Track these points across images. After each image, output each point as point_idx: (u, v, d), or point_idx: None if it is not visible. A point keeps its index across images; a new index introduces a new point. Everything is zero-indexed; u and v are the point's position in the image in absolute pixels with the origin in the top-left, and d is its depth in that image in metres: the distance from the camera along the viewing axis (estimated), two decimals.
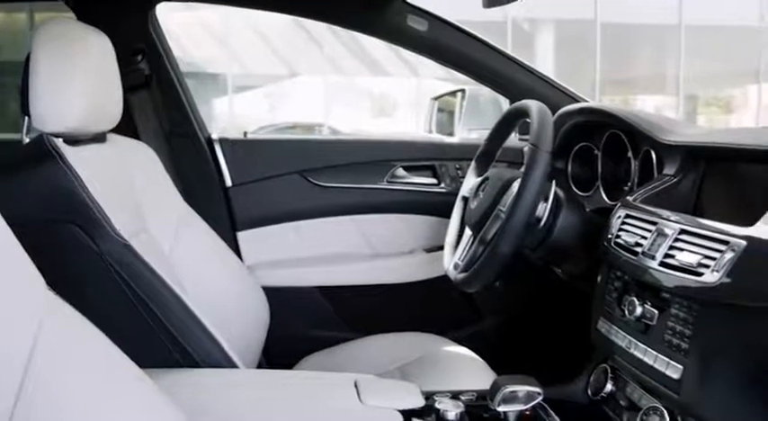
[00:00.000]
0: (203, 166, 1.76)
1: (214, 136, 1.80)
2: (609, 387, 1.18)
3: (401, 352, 1.54)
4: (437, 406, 1.07)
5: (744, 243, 0.90)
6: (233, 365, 1.11)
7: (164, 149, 1.66)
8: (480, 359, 1.49)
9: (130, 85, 1.57)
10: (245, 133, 1.86)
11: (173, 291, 1.10)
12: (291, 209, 1.81)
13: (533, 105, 1.30)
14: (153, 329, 1.08)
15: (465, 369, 1.45)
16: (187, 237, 1.37)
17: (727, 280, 0.90)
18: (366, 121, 11.28)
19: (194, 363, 1.09)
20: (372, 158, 1.83)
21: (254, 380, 1.04)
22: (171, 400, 0.70)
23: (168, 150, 1.70)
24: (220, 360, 1.10)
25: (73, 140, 1.10)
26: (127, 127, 1.63)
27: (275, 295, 1.66)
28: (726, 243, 0.93)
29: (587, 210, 1.41)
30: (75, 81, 1.06)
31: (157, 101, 1.72)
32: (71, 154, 1.06)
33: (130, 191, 1.25)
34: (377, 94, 11.80)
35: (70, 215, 1.05)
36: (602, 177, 1.53)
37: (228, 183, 1.77)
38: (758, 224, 0.92)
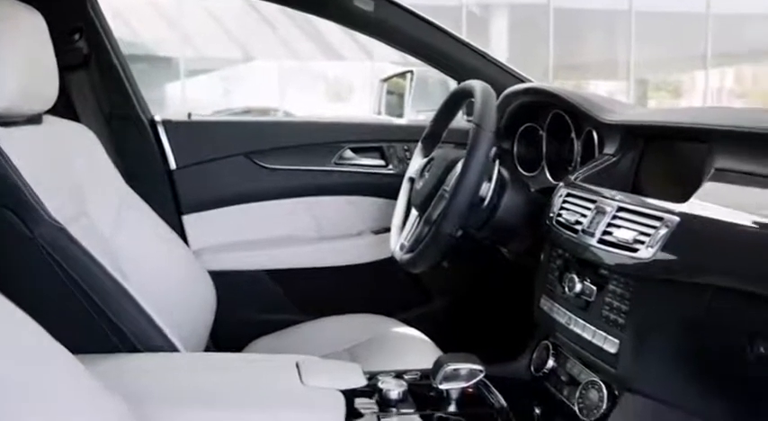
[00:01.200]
0: (146, 149, 1.72)
1: (157, 118, 1.75)
2: (550, 363, 1.20)
3: (350, 334, 1.54)
4: (380, 385, 1.07)
5: (677, 219, 0.92)
6: (174, 349, 1.10)
7: (104, 131, 1.62)
8: (428, 339, 1.50)
9: (67, 65, 1.52)
10: (189, 114, 1.82)
11: (111, 276, 1.08)
12: (238, 191, 1.78)
13: (477, 85, 1.30)
14: (90, 314, 1.06)
15: (413, 349, 1.46)
16: (130, 221, 1.34)
17: (661, 255, 0.92)
18: (322, 105, 11.21)
19: (134, 348, 1.07)
20: (320, 140, 1.81)
21: (193, 364, 1.03)
22: (107, 385, 0.68)
23: (109, 132, 1.65)
24: (161, 344, 1.09)
25: (5, 122, 1.06)
26: (65, 108, 1.59)
27: (222, 279, 1.63)
28: (660, 219, 0.95)
29: (532, 189, 1.43)
30: (5, 60, 1.02)
31: (97, 81, 1.67)
32: (2, 135, 1.02)
33: (68, 174, 1.21)
34: (332, 78, 11.72)
35: (1, 198, 1.01)
36: (546, 157, 1.54)
37: (173, 165, 1.74)
38: (691, 200, 0.94)
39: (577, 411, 1.07)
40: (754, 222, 0.83)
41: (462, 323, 1.83)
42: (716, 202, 0.91)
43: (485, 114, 1.22)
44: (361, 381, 0.99)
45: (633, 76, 11.93)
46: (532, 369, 1.24)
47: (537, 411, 1.14)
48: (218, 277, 1.60)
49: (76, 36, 1.60)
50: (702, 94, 11.93)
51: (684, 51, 11.99)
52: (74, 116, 1.62)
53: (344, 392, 0.96)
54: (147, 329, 1.08)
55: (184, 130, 1.77)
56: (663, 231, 0.93)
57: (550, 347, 1.22)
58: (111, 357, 1.03)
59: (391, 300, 1.81)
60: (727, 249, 0.86)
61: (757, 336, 0.81)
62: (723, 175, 0.95)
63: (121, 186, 1.38)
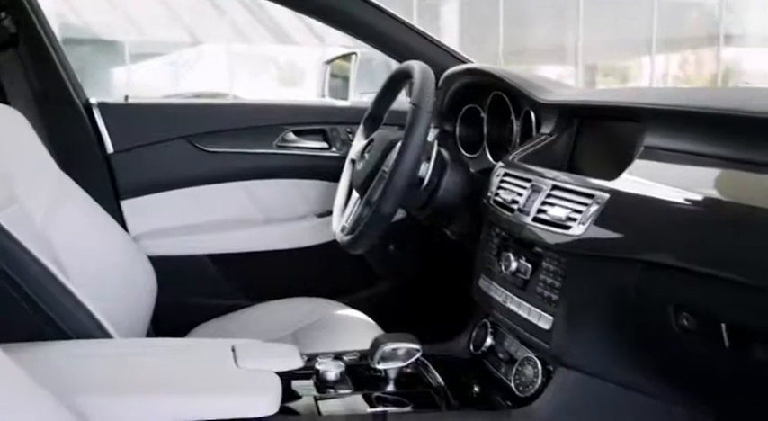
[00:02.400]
0: (81, 133, 1.67)
1: (92, 100, 1.70)
2: (489, 341, 1.22)
3: (294, 317, 1.54)
4: (317, 366, 1.07)
5: (607, 196, 0.94)
6: (107, 336, 1.07)
7: (36, 114, 1.56)
8: (373, 321, 1.50)
9: None
10: (126, 97, 1.77)
11: (41, 263, 1.04)
12: (178, 175, 1.75)
13: (416, 66, 1.29)
14: (17, 301, 1.02)
15: (357, 331, 1.46)
16: (64, 207, 1.30)
17: (592, 232, 0.93)
18: (274, 91, 11.08)
19: (64, 336, 1.04)
20: (262, 123, 1.78)
21: (125, 350, 1.00)
22: (35, 374, 0.66)
23: (41, 115, 1.59)
24: (93, 331, 1.06)
25: None
26: None
27: (163, 264, 1.60)
28: (591, 197, 0.96)
29: (474, 171, 1.43)
30: None
31: (26, 62, 1.61)
32: None
33: None
34: (283, 62, 11.59)
35: None
36: (488, 138, 1.55)
37: (110, 149, 1.69)
38: (621, 177, 0.95)
39: (514, 387, 1.08)
40: (680, 198, 0.85)
41: (407, 305, 1.84)
42: (645, 179, 0.93)
43: (423, 95, 1.22)
44: (298, 363, 0.99)
45: (582, 62, 12.10)
46: (471, 347, 1.25)
47: (476, 389, 1.15)
48: (159, 263, 1.57)
49: (2, 14, 1.54)
50: (648, 80, 12.18)
51: (631, 37, 12.21)
52: (2, 99, 1.56)
53: (281, 374, 0.95)
54: (79, 316, 1.05)
55: (121, 113, 1.72)
56: (594, 208, 0.94)
57: (489, 326, 1.23)
58: (40, 345, 1.00)
59: (336, 283, 1.81)
60: (654, 224, 0.87)
61: (682, 309, 0.83)
62: (653, 153, 0.96)
63: (54, 172, 1.34)
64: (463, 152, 1.64)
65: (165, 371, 0.93)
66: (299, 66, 11.60)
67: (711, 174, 0.86)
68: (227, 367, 0.94)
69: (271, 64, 11.53)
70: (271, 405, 0.90)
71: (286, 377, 0.97)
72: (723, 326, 0.78)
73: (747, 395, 0.87)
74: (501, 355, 1.17)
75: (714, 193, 0.82)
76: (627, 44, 12.38)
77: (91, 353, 0.98)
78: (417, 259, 1.87)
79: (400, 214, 1.75)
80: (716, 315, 0.79)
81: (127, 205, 1.72)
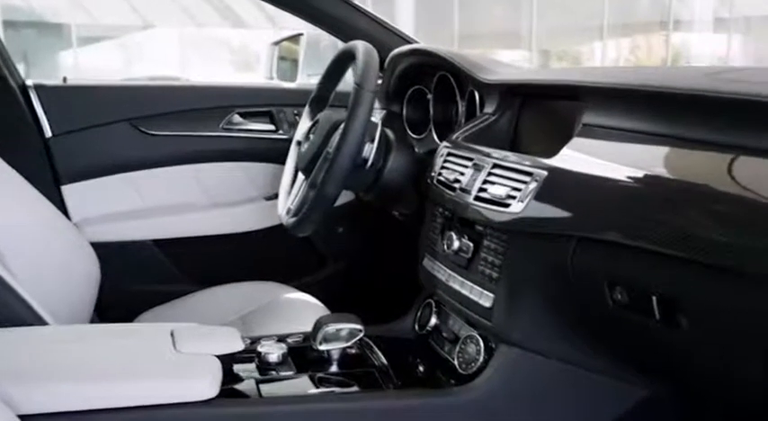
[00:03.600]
0: (17, 116, 1.61)
1: (29, 82, 1.65)
2: (433, 320, 1.22)
3: (242, 302, 1.52)
4: (259, 349, 1.06)
5: (545, 173, 0.94)
6: (43, 323, 1.04)
7: None
8: (322, 305, 1.49)
9: None
10: (65, 79, 1.72)
11: None
12: (121, 159, 1.71)
13: (360, 46, 1.28)
14: None
15: (305, 315, 1.44)
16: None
17: (530, 209, 0.94)
18: (231, 76, 10.91)
19: None
20: (207, 105, 1.75)
21: (60, 336, 0.98)
22: None
23: None
24: (28, 318, 1.03)
25: None
26: None
27: (107, 251, 1.57)
28: (530, 174, 0.97)
29: (421, 151, 1.43)
30: None
31: None
32: None
33: None
34: (237, 46, 11.40)
35: None
36: (434, 119, 1.55)
37: (48, 133, 1.64)
38: (559, 154, 0.96)
39: (457, 365, 1.09)
40: (617, 175, 0.86)
41: (356, 287, 1.84)
42: (583, 156, 0.94)
43: (366, 75, 1.21)
44: (238, 346, 0.97)
45: (536, 47, 12.21)
46: (417, 327, 1.26)
47: (420, 368, 1.16)
48: (103, 249, 1.54)
49: None
50: (600, 65, 12.35)
51: (584, 23, 12.36)
52: None
53: (222, 358, 0.94)
54: (11, 302, 1.02)
55: (60, 96, 1.67)
56: (532, 186, 0.95)
57: (433, 305, 1.23)
58: None
59: (285, 266, 1.79)
60: (590, 201, 0.88)
61: (616, 284, 0.85)
62: (591, 131, 0.97)
63: None
64: (410, 133, 1.63)
65: (100, 357, 0.91)
66: (253, 49, 11.44)
67: (647, 150, 0.87)
68: (165, 351, 0.93)
69: (224, 48, 11.34)
70: (210, 388, 0.89)
71: (227, 360, 0.96)
72: (654, 298, 0.79)
73: (679, 368, 0.89)
74: (445, 334, 1.17)
75: (649, 170, 0.83)
76: (580, 29, 12.53)
77: (21, 339, 0.95)
78: (366, 241, 1.87)
79: (349, 197, 1.75)
80: (647, 288, 0.80)
81: (68, 191, 1.67)
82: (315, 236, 1.80)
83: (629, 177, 0.84)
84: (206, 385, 0.89)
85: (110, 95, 1.75)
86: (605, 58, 12.31)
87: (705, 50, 12.52)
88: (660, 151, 0.85)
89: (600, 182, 0.88)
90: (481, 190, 1.05)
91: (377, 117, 1.60)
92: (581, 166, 0.92)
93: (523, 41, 12.27)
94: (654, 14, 12.70)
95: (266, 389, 1.00)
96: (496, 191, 1.01)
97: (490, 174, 1.06)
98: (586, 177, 0.90)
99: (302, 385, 1.03)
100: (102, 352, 0.92)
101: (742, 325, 0.73)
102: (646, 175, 0.83)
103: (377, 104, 1.68)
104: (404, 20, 10.35)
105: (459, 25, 11.46)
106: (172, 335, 0.97)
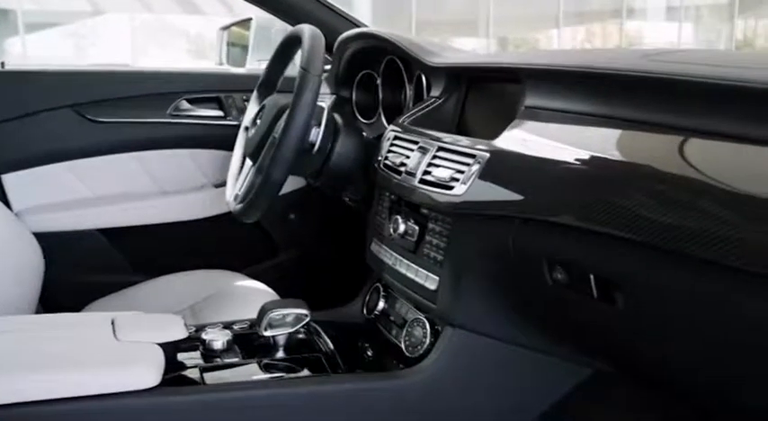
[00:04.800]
0: None
1: None
2: (381, 305, 1.22)
3: (192, 290, 1.50)
4: (203, 336, 1.05)
5: (487, 155, 0.95)
6: None
7: None
8: (274, 292, 1.48)
9: None
10: (3, 63, 1.66)
11: None
12: (64, 147, 1.66)
13: (306, 30, 1.26)
14: None
15: (256, 302, 1.42)
16: None
17: (473, 191, 0.94)
18: (189, 64, 10.70)
19: None
20: (153, 91, 1.71)
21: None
22: None
23: None
24: None
25: None
26: None
27: (51, 241, 1.54)
28: (473, 157, 0.97)
29: (370, 136, 1.42)
30: None
31: None
32: None
33: None
34: (193, 34, 11.20)
35: None
36: (383, 104, 1.54)
37: None
38: (501, 136, 0.96)
39: (404, 349, 1.09)
40: (557, 156, 0.86)
41: (307, 273, 1.83)
42: (524, 138, 0.94)
43: (312, 58, 1.20)
44: (181, 334, 0.96)
45: (494, 34, 12.28)
46: (365, 311, 1.25)
47: (368, 352, 1.16)
48: (46, 239, 1.50)
49: None
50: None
51: (541, 11, 12.48)
52: None
53: (164, 346, 0.92)
54: None
55: None
56: (475, 168, 0.95)
57: (381, 289, 1.23)
58: None
59: (237, 254, 1.78)
60: (531, 182, 0.89)
61: (555, 263, 0.85)
62: (532, 113, 0.97)
63: None
64: (360, 118, 1.62)
65: (37, 347, 0.89)
66: (210, 37, 11.25)
67: (590, 132, 0.87)
68: (105, 340, 0.91)
69: (180, 35, 11.14)
70: (151, 376, 0.87)
71: (171, 349, 0.94)
72: (591, 277, 0.80)
73: (619, 347, 0.91)
74: (393, 318, 1.18)
75: (593, 151, 0.83)
76: (537, 17, 12.64)
77: None
78: (317, 228, 1.86)
79: (300, 183, 1.73)
80: (585, 267, 0.81)
81: (8, 179, 1.63)
82: (266, 223, 1.78)
83: (573, 159, 0.85)
84: (146, 373, 0.87)
85: (52, 81, 1.70)
86: (562, 45, 12.45)
87: (658, 38, 12.74)
88: (603, 132, 0.85)
89: (542, 163, 0.88)
90: (426, 173, 1.05)
91: (327, 102, 1.59)
92: (523, 148, 0.92)
93: (481, 29, 12.32)
94: (609, 3, 12.89)
95: (210, 376, 0.98)
96: (440, 173, 1.01)
97: (435, 156, 1.06)
98: (529, 159, 0.91)
99: (248, 372, 1.02)
100: (39, 342, 0.90)
101: (680, 306, 0.73)
102: (586, 156, 0.84)
103: (327, 89, 1.66)
104: (362, 6, 10.29)
105: (417, 13, 11.45)
106: (113, 324, 0.95)
